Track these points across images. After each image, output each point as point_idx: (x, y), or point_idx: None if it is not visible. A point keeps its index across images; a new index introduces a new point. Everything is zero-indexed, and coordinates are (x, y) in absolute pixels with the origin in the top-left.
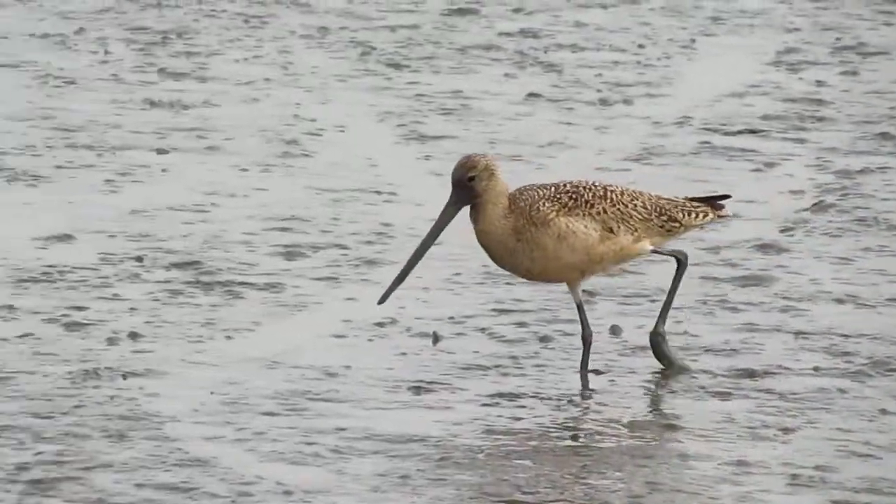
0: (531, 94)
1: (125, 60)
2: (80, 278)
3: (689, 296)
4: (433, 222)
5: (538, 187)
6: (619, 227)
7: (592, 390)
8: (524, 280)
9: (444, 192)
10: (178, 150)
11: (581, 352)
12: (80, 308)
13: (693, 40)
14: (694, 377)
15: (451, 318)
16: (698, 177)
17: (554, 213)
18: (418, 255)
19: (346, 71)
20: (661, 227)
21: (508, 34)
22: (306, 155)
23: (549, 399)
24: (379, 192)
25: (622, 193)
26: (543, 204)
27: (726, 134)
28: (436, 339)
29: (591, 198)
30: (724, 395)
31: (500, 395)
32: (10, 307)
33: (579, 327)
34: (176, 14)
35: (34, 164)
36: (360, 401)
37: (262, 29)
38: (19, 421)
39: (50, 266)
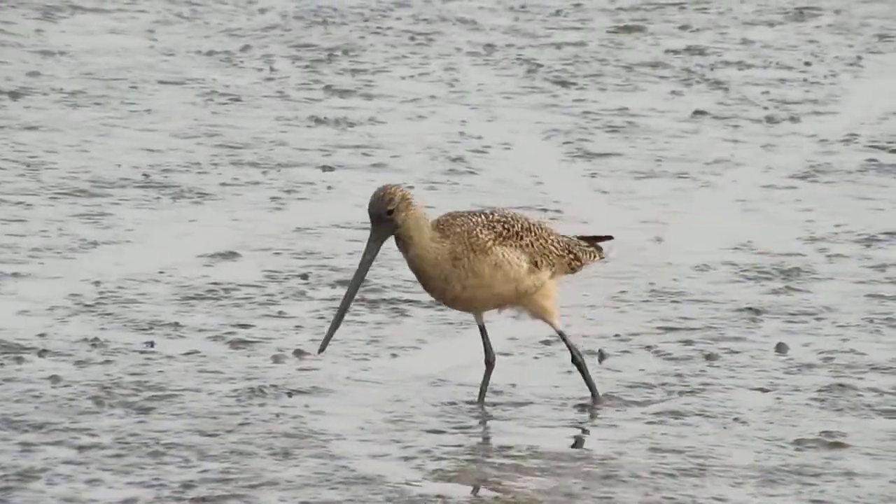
0: (697, 112)
1: (291, 77)
2: (245, 296)
3: (855, 314)
4: (358, 263)
5: (468, 214)
6: (541, 261)
7: (750, 409)
8: (446, 305)
9: (611, 209)
10: (343, 167)
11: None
12: (245, 326)
13: (860, 58)
14: (860, 395)
15: (617, 335)
16: (864, 195)
17: (491, 241)
18: (349, 297)
19: (512, 88)
20: (568, 264)
21: (675, 51)
22: (472, 172)
23: (715, 417)
24: (545, 210)
25: (540, 227)
26: (481, 231)
27: (893, 152)
28: (601, 356)
29: (520, 229)
30: (891, 413)
31: (666, 412)
32: (176, 325)
33: (746, 345)
34: (342, 31)
35: (199, 181)
36: (526, 419)
37: (428, 46)
38: (185, 439)
39: (215, 283)
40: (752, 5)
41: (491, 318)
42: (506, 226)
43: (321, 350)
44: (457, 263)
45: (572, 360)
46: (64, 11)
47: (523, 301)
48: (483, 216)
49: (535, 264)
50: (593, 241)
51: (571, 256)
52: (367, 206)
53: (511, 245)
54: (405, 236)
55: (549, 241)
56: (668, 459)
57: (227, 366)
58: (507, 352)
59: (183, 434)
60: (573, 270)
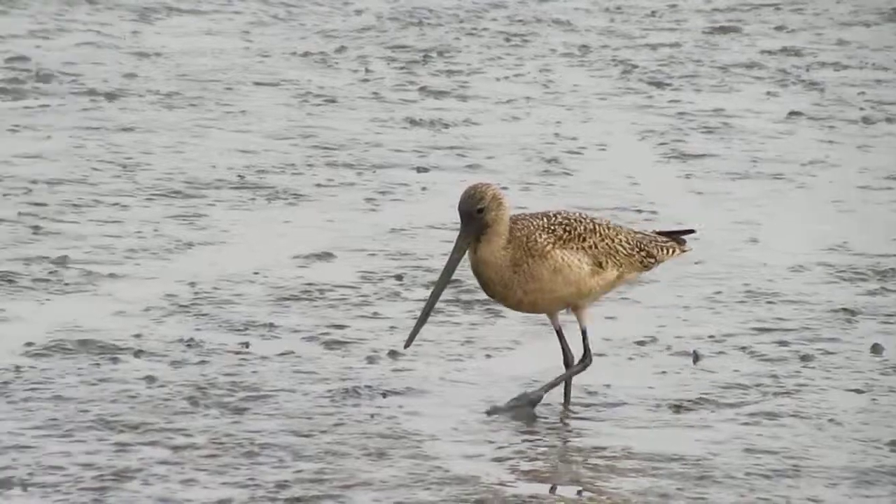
0: (793, 113)
1: (386, 79)
2: (340, 296)
3: None
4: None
5: (530, 217)
6: (607, 261)
7: (845, 410)
8: (511, 309)
9: (706, 210)
10: (437, 168)
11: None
12: (340, 326)
13: None
14: None
15: (712, 336)
16: None
17: (550, 244)
18: (436, 294)
19: (607, 89)
20: (640, 262)
21: (770, 52)
22: (567, 173)
23: (810, 418)
24: (639, 211)
25: (608, 227)
26: (540, 235)
27: None
28: (696, 357)
29: (583, 231)
30: None
31: (761, 413)
32: (271, 325)
33: (841, 346)
34: (437, 32)
35: (294, 182)
36: (620, 419)
37: (522, 47)
38: (279, 439)
39: (310, 284)
40: (847, 6)
41: (566, 318)
42: (567, 228)
43: (407, 345)
44: (517, 269)
45: (566, 361)
46: (160, 13)
47: (586, 301)
48: (545, 219)
49: (600, 265)
50: (674, 235)
51: (644, 254)
52: (457, 204)
53: (572, 247)
54: (487, 237)
55: (617, 241)
56: (763, 460)
57: (321, 366)
58: (601, 353)
59: (277, 434)
60: (647, 268)
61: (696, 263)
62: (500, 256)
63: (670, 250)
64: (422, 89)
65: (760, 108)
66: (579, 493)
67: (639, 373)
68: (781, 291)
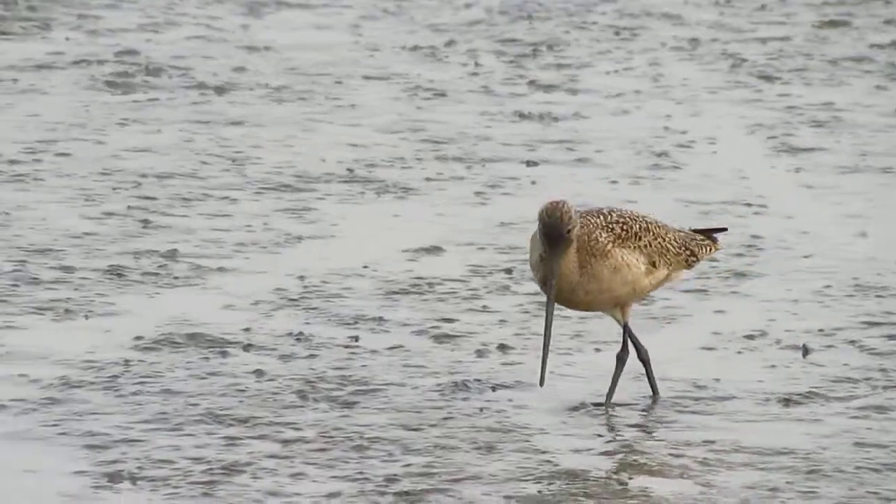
0: None
1: (495, 72)
2: (449, 290)
3: None
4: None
5: (586, 214)
6: (659, 260)
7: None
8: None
9: (815, 204)
10: (547, 162)
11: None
12: (449, 320)
13: None
14: None
15: (821, 330)
16: None
17: (610, 243)
18: (549, 325)
19: (717, 83)
20: (685, 261)
21: (880, 46)
22: (676, 167)
23: None
24: (749, 205)
25: (658, 226)
26: (600, 234)
27: None
28: (806, 351)
29: (638, 230)
30: None
31: (870, 407)
32: (381, 319)
33: None
34: (547, 26)
35: (404, 176)
36: (729, 413)
37: (632, 41)
38: (389, 433)
39: (419, 278)
40: None
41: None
42: (624, 227)
43: (542, 383)
44: (583, 272)
45: (622, 355)
46: (269, 7)
47: (637, 299)
48: (601, 216)
49: (653, 264)
50: (707, 233)
51: (688, 253)
52: (543, 229)
53: (630, 246)
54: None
55: (667, 240)
56: (872, 454)
57: (430, 360)
58: (710, 346)
59: (387, 428)
60: (689, 266)
61: (805, 257)
62: (573, 263)
63: (708, 248)
64: (531, 83)
65: (870, 101)
66: (688, 486)
67: (748, 367)
68: (891, 285)
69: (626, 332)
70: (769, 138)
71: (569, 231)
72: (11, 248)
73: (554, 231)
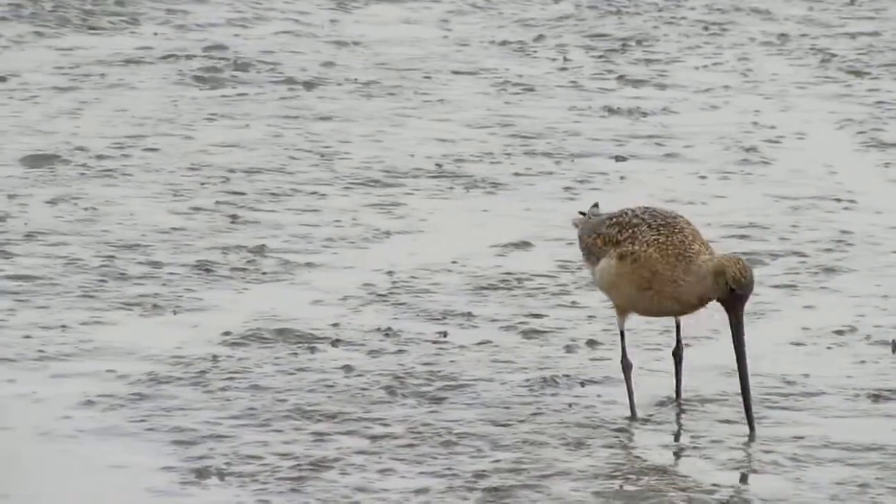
0: None
1: (584, 67)
2: (538, 286)
3: None
4: (740, 339)
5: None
6: None
7: None
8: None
9: None
10: (636, 157)
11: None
12: (537, 315)
13: None
14: None
15: None
16: None
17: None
18: (744, 372)
19: (806, 78)
20: None
21: None
22: (765, 162)
23: None
24: (838, 200)
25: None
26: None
27: None
28: (895, 347)
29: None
30: None
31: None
32: (469, 314)
33: None
34: (636, 21)
35: (493, 171)
36: (819, 409)
37: (721, 36)
38: (477, 429)
39: (508, 273)
40: None
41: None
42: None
43: (752, 432)
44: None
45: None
46: (358, 2)
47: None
48: (678, 224)
49: None
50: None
51: None
52: (749, 290)
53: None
54: None
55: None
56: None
57: (519, 355)
58: (799, 342)
59: (475, 424)
60: None
61: (894, 252)
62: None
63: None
64: (620, 78)
65: None
66: (778, 482)
67: (837, 362)
68: None
69: (680, 328)
70: (858, 133)
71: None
72: (100, 243)
73: (750, 292)
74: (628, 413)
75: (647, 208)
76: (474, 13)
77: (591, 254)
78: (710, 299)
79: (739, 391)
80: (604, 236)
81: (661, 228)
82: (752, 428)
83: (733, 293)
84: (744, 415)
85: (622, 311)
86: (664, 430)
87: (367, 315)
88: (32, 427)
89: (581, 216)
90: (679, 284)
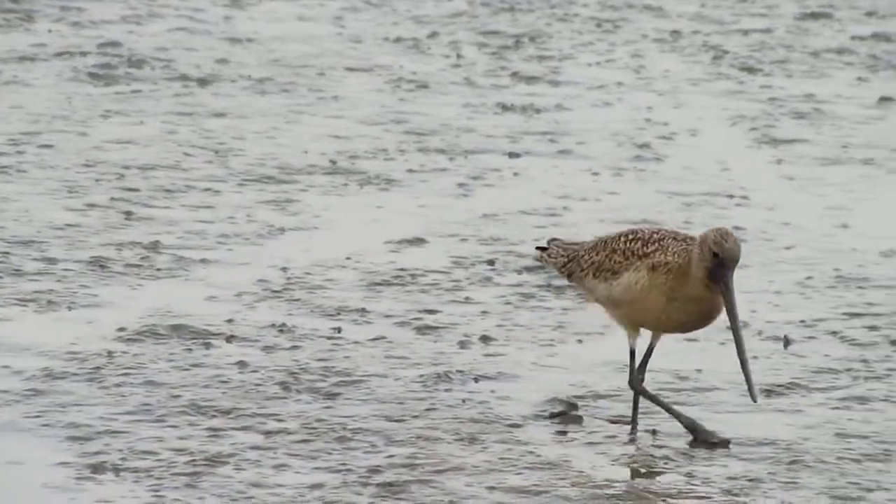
0: (884, 98)
1: (477, 64)
2: (432, 282)
3: None
4: (732, 309)
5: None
6: None
7: None
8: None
9: (797, 195)
10: (530, 153)
11: None
12: (431, 311)
13: None
14: None
15: (803, 321)
16: None
17: None
18: (739, 339)
19: (699, 75)
20: None
21: (861, 38)
22: (658, 159)
23: None
24: (731, 196)
25: None
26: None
27: None
28: (787, 342)
29: None
30: None
31: (852, 398)
32: (363, 310)
33: None
34: (529, 18)
35: (387, 167)
36: (712, 404)
37: (614, 33)
38: (372, 424)
39: (402, 269)
40: None
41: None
42: None
43: (756, 399)
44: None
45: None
46: None
47: None
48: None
49: None
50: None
51: None
52: (732, 255)
53: None
54: None
55: None
56: (854, 445)
57: (413, 351)
58: (692, 338)
59: (369, 419)
60: None
61: (787, 249)
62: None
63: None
64: (513, 75)
65: (850, 93)
66: (668, 477)
67: (730, 358)
68: (872, 276)
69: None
70: (751, 130)
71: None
72: None
73: (738, 257)
74: (680, 426)
75: (659, 228)
76: (368, 10)
77: (604, 270)
78: (712, 282)
79: (738, 363)
80: (622, 252)
81: (686, 241)
82: (753, 397)
83: (717, 259)
84: (745, 386)
85: (634, 327)
86: (558, 425)
87: (261, 311)
88: None
89: (540, 251)
90: (690, 279)
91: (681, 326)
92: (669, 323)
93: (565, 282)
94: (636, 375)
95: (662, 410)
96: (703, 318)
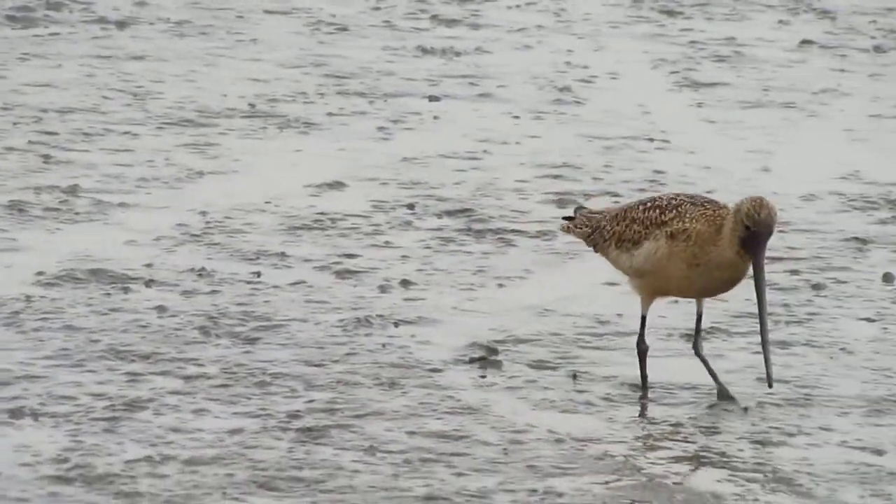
0: (805, 42)
1: (398, 7)
2: (351, 226)
3: None
4: (761, 288)
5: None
6: None
7: (857, 339)
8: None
9: (717, 139)
10: (449, 97)
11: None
12: (351, 256)
13: None
14: None
15: None
16: None
17: None
18: (763, 319)
19: (619, 18)
20: None
21: None
22: (578, 102)
23: (822, 347)
24: (651, 140)
25: None
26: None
27: None
28: None
29: None
30: None
31: (773, 342)
32: (283, 255)
33: (853, 275)
34: None
35: (306, 111)
36: (632, 348)
37: None
38: (291, 369)
39: (322, 213)
40: None
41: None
42: None
43: (771, 384)
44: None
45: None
46: None
47: None
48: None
49: None
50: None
51: None
52: (756, 225)
53: None
54: None
55: None
56: (775, 389)
57: (333, 296)
58: (613, 282)
59: (289, 364)
60: None
61: (708, 192)
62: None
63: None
64: (433, 17)
65: (772, 36)
66: (591, 422)
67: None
68: (793, 220)
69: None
70: (671, 73)
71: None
72: None
73: (770, 229)
74: (640, 392)
75: (677, 194)
76: None
77: (624, 240)
78: (744, 252)
79: (759, 342)
80: (641, 221)
81: (705, 205)
82: (769, 381)
83: (749, 231)
84: (763, 366)
85: (651, 294)
86: (478, 369)
87: (180, 255)
88: None
89: (567, 220)
90: (718, 246)
91: (705, 292)
92: (693, 288)
93: (485, 226)
94: (644, 341)
95: (642, 375)
96: (727, 284)
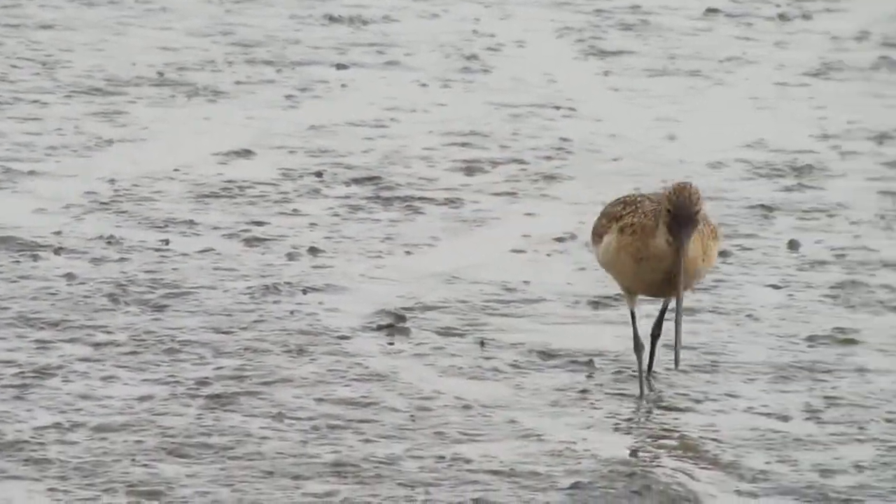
0: (710, 10)
1: None
2: (259, 193)
3: (867, 210)
4: (679, 269)
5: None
6: None
7: (763, 306)
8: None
9: (623, 107)
10: (357, 65)
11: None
12: (260, 223)
13: None
14: (872, 291)
15: None
16: (877, 92)
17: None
18: (680, 304)
19: None
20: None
21: None
22: (485, 70)
23: (728, 314)
24: (558, 108)
25: None
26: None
27: None
28: None
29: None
30: None
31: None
32: (191, 222)
33: (759, 242)
34: None
35: (214, 79)
36: (540, 315)
37: None
38: (199, 336)
39: (230, 181)
40: None
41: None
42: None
43: (677, 365)
44: (704, 256)
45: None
46: None
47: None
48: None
49: None
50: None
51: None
52: (676, 208)
53: None
54: (695, 234)
55: None
56: (683, 356)
57: (241, 263)
58: (520, 249)
59: (198, 331)
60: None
61: (614, 160)
62: (697, 249)
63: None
64: None
65: (677, 4)
66: (494, 386)
67: (558, 269)
68: (700, 188)
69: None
70: (577, 41)
71: (696, 213)
72: None
73: (685, 210)
74: (638, 391)
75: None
76: None
77: (595, 234)
78: (672, 239)
79: (674, 324)
80: (608, 215)
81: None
82: (676, 362)
83: (670, 214)
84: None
85: (628, 291)
86: (386, 336)
87: (89, 223)
88: None
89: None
90: (656, 238)
91: (654, 288)
92: (643, 284)
93: (393, 193)
94: (639, 338)
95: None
96: (667, 276)
